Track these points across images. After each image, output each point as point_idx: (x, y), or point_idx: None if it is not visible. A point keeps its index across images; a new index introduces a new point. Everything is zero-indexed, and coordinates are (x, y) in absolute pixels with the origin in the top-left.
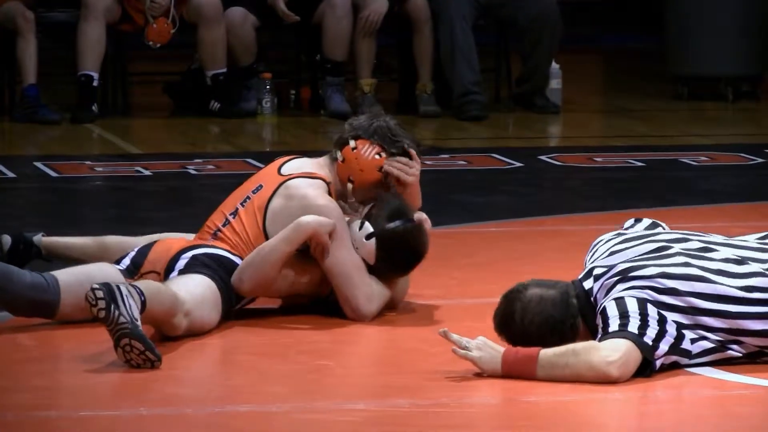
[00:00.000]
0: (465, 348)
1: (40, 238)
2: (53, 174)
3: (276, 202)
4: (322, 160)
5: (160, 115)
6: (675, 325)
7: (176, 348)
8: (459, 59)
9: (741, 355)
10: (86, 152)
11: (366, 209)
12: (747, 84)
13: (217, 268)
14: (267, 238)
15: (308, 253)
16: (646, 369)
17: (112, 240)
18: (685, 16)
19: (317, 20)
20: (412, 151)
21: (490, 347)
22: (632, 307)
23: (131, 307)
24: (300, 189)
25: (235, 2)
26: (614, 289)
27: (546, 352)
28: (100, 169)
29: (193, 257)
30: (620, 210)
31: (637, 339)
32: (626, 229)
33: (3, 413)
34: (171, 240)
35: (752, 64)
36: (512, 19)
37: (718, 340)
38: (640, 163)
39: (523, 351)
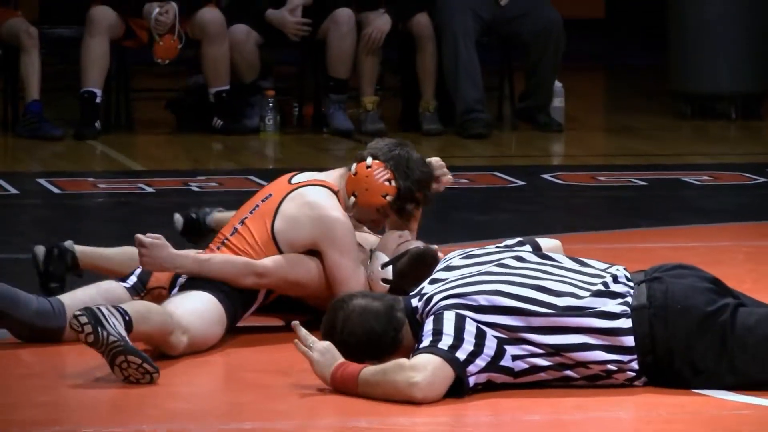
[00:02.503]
0: (308, 346)
1: (72, 244)
2: (56, 190)
3: (287, 205)
4: (336, 171)
5: (162, 132)
6: (496, 341)
7: (179, 365)
8: (462, 77)
9: (579, 377)
10: (89, 168)
11: (400, 249)
12: (750, 102)
13: (219, 282)
14: (275, 240)
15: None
16: (461, 386)
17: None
18: (689, 34)
19: (321, 37)
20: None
21: (331, 355)
22: (448, 322)
23: (116, 325)
24: (314, 197)
25: (238, 19)
26: (435, 306)
27: (365, 372)
28: (103, 185)
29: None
30: (623, 229)
31: (447, 355)
32: (498, 246)
33: (6, 429)
34: None
35: (755, 83)
36: (516, 35)
37: (543, 356)
38: (642, 182)
39: (348, 368)
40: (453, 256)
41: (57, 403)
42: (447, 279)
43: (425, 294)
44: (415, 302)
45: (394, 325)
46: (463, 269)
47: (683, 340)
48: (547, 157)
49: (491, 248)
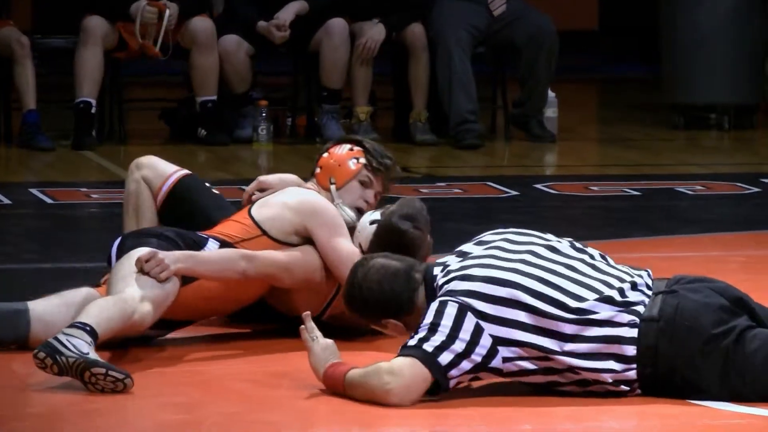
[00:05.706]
0: (311, 337)
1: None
2: (49, 200)
3: (269, 194)
4: (310, 183)
5: (156, 142)
6: (491, 340)
7: (170, 375)
8: (456, 88)
9: (568, 381)
10: (82, 179)
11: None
12: (743, 113)
13: (152, 232)
14: (253, 219)
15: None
16: (438, 388)
17: None
18: (682, 46)
19: (314, 48)
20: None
21: (330, 352)
22: (448, 317)
23: (76, 346)
24: (298, 188)
25: (230, 30)
26: (446, 288)
27: (351, 373)
28: (96, 195)
29: (122, 239)
30: (616, 239)
31: (429, 359)
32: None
33: None
34: None
35: (748, 94)
36: (510, 41)
37: (534, 359)
38: (635, 192)
39: (339, 368)
40: (488, 233)
41: (48, 414)
42: (471, 253)
43: (448, 266)
44: (436, 270)
45: (412, 285)
46: (489, 249)
47: (687, 358)
48: (540, 167)
49: (531, 232)
